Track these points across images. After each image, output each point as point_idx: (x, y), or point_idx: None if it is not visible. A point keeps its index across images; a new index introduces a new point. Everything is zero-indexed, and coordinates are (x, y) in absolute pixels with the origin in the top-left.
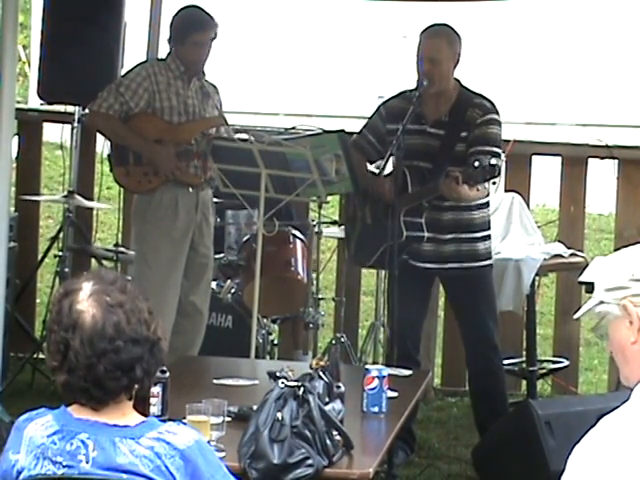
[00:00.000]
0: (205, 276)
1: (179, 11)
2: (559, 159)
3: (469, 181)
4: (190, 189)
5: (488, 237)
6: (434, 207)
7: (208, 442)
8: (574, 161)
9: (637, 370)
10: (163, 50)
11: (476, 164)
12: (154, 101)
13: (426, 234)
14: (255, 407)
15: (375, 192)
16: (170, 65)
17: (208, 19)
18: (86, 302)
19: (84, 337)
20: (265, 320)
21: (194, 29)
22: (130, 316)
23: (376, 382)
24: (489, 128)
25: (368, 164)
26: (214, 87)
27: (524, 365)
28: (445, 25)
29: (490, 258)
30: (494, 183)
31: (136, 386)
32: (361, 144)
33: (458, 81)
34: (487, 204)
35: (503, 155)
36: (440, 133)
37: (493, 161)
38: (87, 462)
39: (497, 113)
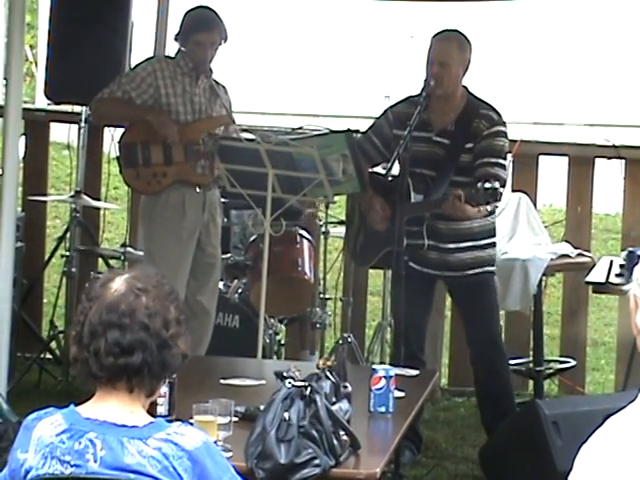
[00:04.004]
0: (213, 276)
1: (189, 10)
2: (566, 159)
3: (471, 202)
4: (197, 189)
5: (492, 245)
6: (435, 216)
7: (215, 442)
8: (581, 161)
9: None
10: (170, 50)
11: (479, 185)
12: (160, 97)
13: (426, 242)
14: (262, 407)
15: (366, 208)
16: (179, 62)
17: (213, 20)
18: (118, 281)
19: (99, 306)
20: (272, 320)
21: (197, 29)
22: (150, 305)
23: (383, 382)
24: (495, 140)
25: (371, 167)
26: (224, 87)
27: (531, 365)
28: (456, 31)
29: (493, 265)
30: (497, 206)
31: (136, 378)
32: (365, 146)
33: (466, 88)
34: (492, 211)
35: (510, 156)
36: (445, 142)
37: (496, 184)
38: (95, 461)
39: (503, 124)
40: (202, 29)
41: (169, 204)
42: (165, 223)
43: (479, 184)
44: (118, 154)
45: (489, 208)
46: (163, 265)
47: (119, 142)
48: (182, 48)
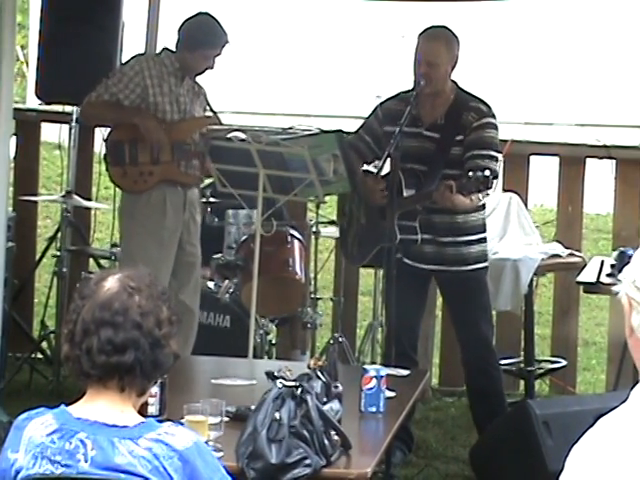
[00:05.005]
0: (193, 274)
1: (196, 17)
2: (557, 159)
3: (463, 191)
4: (179, 187)
5: (484, 240)
6: (428, 210)
7: (206, 442)
8: (572, 161)
9: (638, 364)
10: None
11: (470, 174)
12: (147, 96)
13: (420, 236)
14: (253, 407)
15: (363, 191)
16: (164, 61)
17: (223, 35)
18: (111, 280)
19: (92, 305)
20: (263, 320)
21: (209, 44)
22: (143, 304)
23: (374, 382)
24: (485, 132)
25: (364, 165)
26: (203, 89)
27: (522, 365)
28: (443, 27)
29: (486, 260)
30: (488, 194)
31: (128, 377)
32: (357, 144)
33: (455, 83)
34: (483, 206)
35: (501, 156)
36: (436, 136)
37: (487, 173)
38: (86, 461)
39: (493, 116)
40: (214, 45)
41: (151, 203)
42: (146, 222)
43: (470, 173)
44: (105, 151)
45: (481, 197)
46: (144, 264)
47: (106, 140)
48: (179, 52)
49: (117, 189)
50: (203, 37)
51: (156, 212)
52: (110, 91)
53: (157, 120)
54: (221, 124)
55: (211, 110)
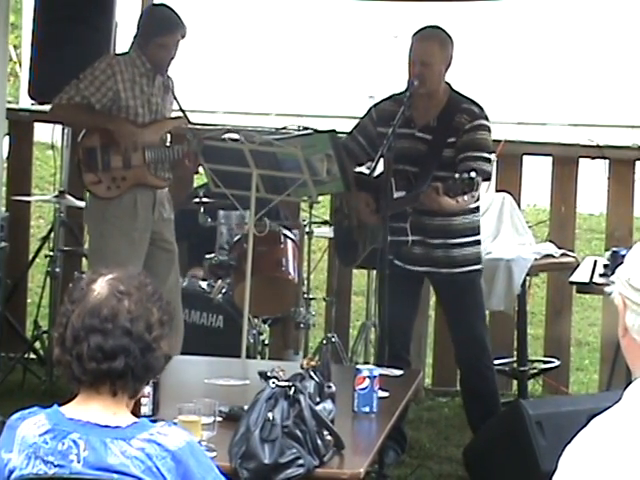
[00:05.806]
0: (172, 272)
1: (148, 9)
2: (550, 159)
3: (449, 193)
4: (149, 189)
5: (477, 242)
6: (419, 212)
7: (199, 442)
8: (565, 161)
9: (631, 364)
10: None
11: (456, 176)
12: (119, 99)
13: (410, 238)
14: (246, 407)
15: (350, 207)
16: (136, 61)
17: (175, 21)
18: (100, 283)
19: (82, 311)
20: (256, 320)
21: (160, 31)
22: (133, 309)
23: (367, 382)
24: (477, 134)
25: (357, 166)
26: (172, 81)
27: (515, 365)
28: (437, 27)
29: (479, 263)
30: (474, 196)
31: (120, 382)
32: (350, 146)
33: (448, 85)
34: (477, 209)
35: (494, 156)
36: (428, 138)
37: (472, 174)
38: (78, 462)
39: (486, 118)
40: (166, 31)
41: (122, 205)
42: (118, 223)
43: (456, 175)
44: (79, 158)
45: (466, 198)
46: (115, 266)
47: (78, 145)
48: (138, 47)
49: None
50: (153, 25)
51: (127, 214)
52: (82, 94)
53: (130, 123)
54: (190, 122)
55: (178, 106)
